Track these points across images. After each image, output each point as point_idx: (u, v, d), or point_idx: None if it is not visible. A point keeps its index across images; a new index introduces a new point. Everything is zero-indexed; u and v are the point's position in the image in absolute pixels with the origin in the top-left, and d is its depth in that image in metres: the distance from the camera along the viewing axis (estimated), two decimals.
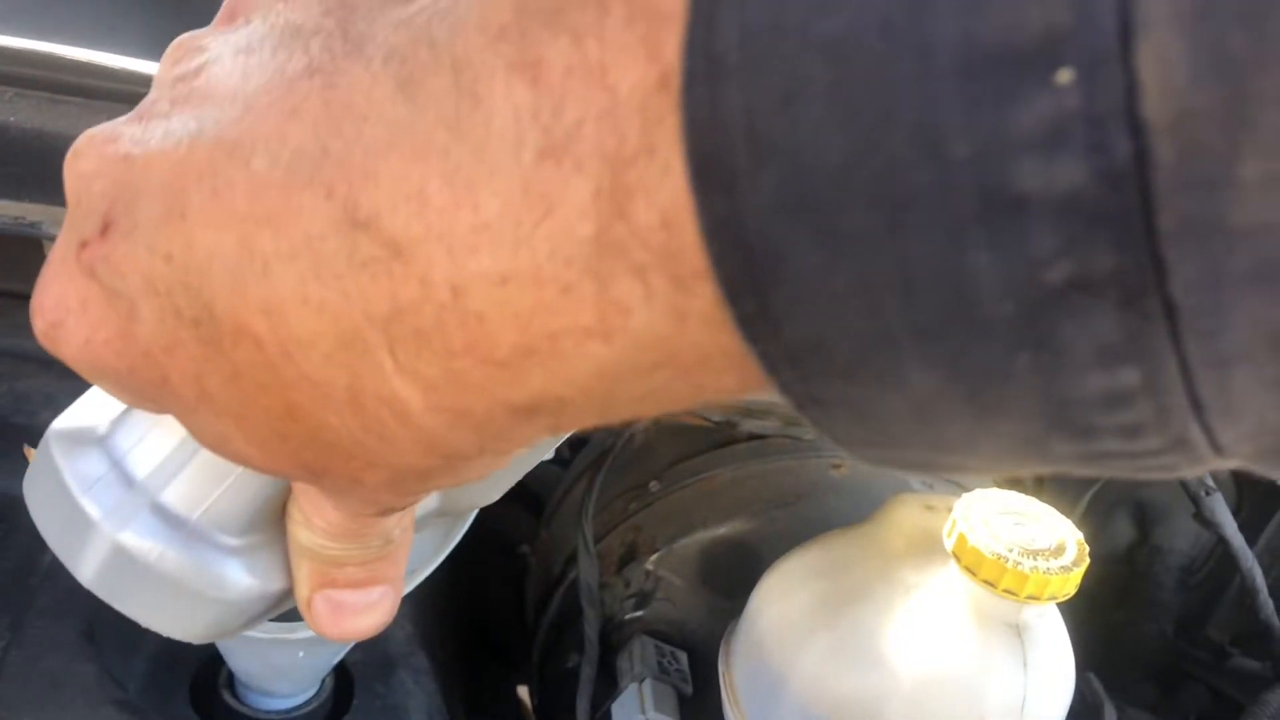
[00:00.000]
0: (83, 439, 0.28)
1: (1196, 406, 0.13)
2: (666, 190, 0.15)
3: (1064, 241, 0.13)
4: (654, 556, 0.69)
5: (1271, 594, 0.61)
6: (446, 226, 0.17)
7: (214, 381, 0.21)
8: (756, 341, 0.15)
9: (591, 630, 0.69)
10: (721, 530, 0.68)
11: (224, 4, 0.23)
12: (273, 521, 0.28)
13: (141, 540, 0.27)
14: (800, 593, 0.58)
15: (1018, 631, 0.52)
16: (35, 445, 0.65)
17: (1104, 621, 0.66)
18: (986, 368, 0.14)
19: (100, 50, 0.60)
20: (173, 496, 0.27)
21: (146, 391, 0.22)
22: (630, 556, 0.71)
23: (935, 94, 0.13)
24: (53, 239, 0.63)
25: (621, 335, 0.17)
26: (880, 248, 0.14)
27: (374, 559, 0.26)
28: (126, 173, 0.21)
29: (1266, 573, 0.62)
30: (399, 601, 0.28)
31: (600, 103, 0.16)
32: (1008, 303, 0.13)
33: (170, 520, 0.27)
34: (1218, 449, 0.14)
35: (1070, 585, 0.51)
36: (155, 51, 0.61)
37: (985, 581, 0.51)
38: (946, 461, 0.16)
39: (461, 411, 0.19)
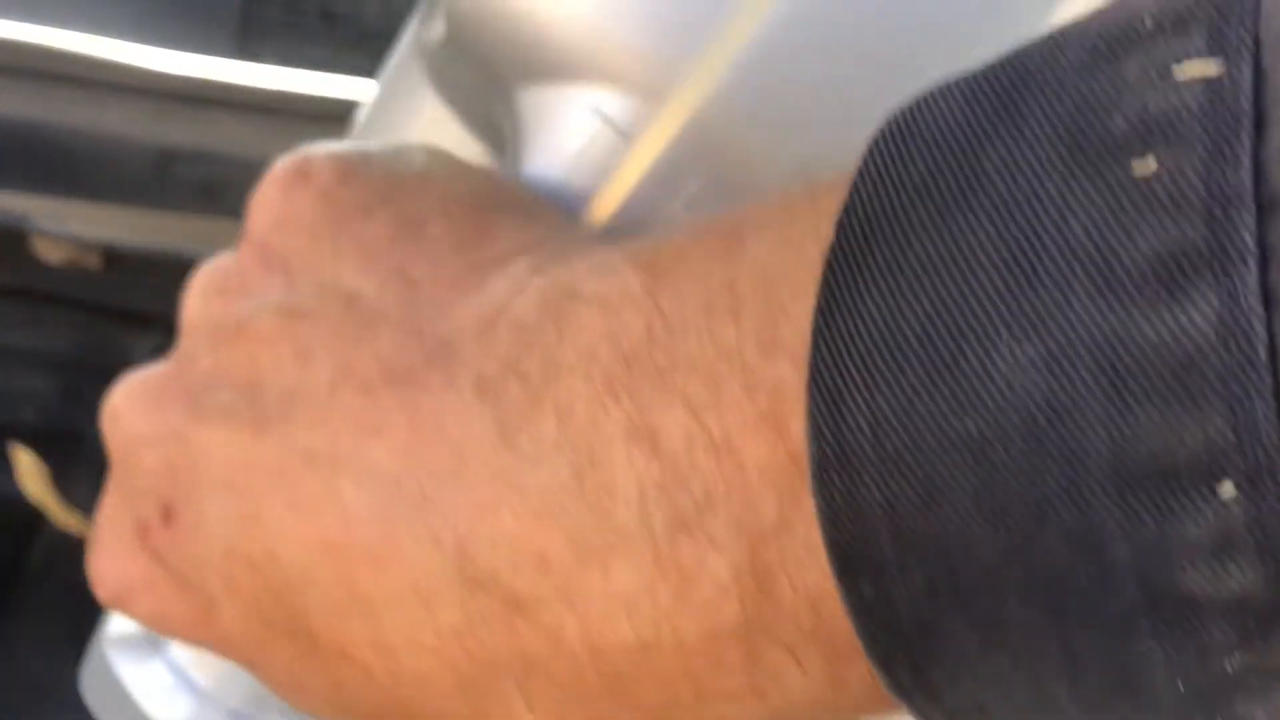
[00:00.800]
0: (140, 647, 0.28)
1: None
2: (811, 571, 0.15)
3: (1238, 637, 0.12)
4: None
5: None
6: (576, 591, 0.16)
7: (312, 681, 0.19)
8: (914, 702, 0.15)
9: None
10: None
11: (252, 230, 0.21)
12: None
13: None
14: None
15: None
16: (20, 443, 0.64)
17: None
18: None
19: (89, 36, 0.59)
20: (243, 701, 0.27)
21: (229, 660, 0.21)
22: None
23: (1090, 500, 0.12)
24: (40, 231, 0.62)
25: (776, 695, 0.16)
26: (1041, 634, 0.13)
27: None
28: (181, 453, 0.20)
29: None
30: None
31: (729, 477, 0.15)
32: (1179, 682, 0.13)
33: None
34: None
35: None
36: (145, 38, 0.59)
37: None
38: None
39: None
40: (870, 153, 0.14)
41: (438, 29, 0.25)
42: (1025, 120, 0.13)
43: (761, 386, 0.15)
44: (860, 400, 0.13)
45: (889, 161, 0.14)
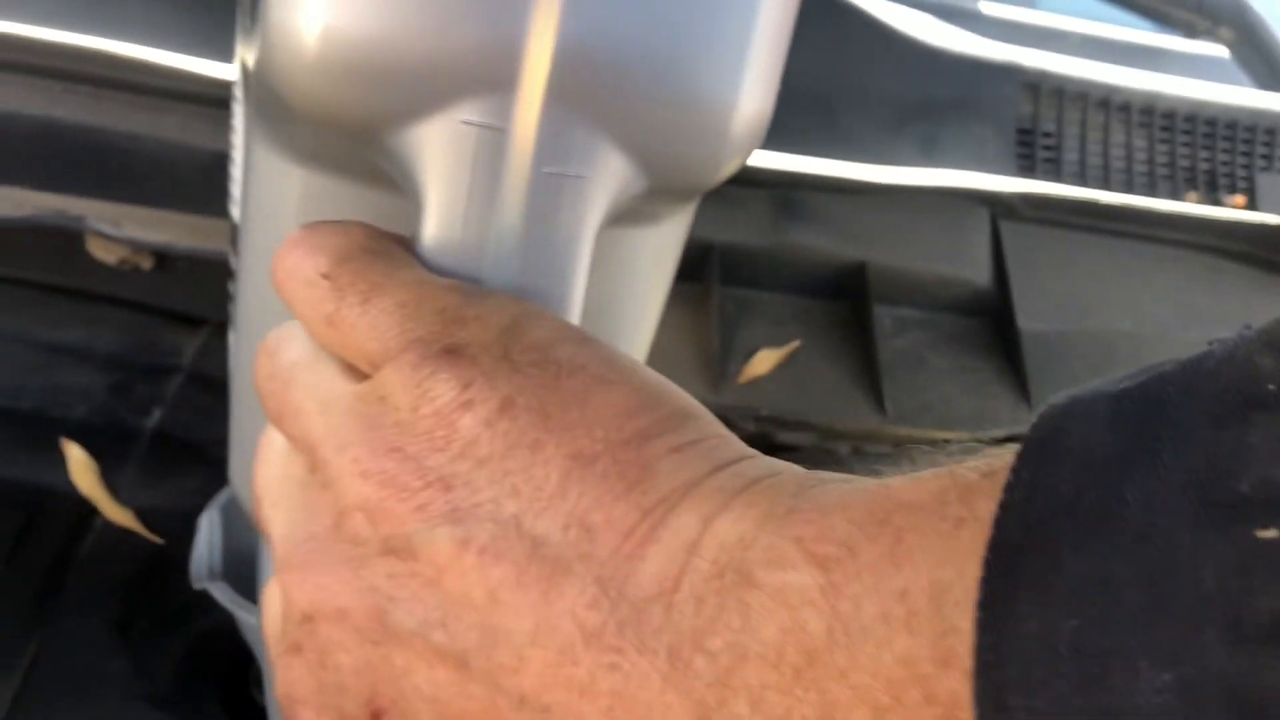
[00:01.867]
0: None
1: None
2: None
3: None
4: None
5: None
6: None
7: None
8: None
9: None
10: None
11: (408, 447, 0.20)
12: None
13: None
14: None
15: None
16: (72, 439, 0.64)
17: None
18: None
19: (147, 46, 0.60)
20: None
21: None
22: None
23: None
24: (96, 233, 0.63)
25: None
26: None
27: None
28: (382, 663, 0.21)
29: None
30: None
31: None
32: None
33: None
34: None
35: None
36: (202, 48, 0.61)
37: None
38: None
39: None
40: (1021, 462, 0.16)
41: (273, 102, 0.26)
42: (1161, 458, 0.15)
43: (939, 697, 0.16)
44: (1020, 701, 0.15)
45: (1039, 474, 0.16)
